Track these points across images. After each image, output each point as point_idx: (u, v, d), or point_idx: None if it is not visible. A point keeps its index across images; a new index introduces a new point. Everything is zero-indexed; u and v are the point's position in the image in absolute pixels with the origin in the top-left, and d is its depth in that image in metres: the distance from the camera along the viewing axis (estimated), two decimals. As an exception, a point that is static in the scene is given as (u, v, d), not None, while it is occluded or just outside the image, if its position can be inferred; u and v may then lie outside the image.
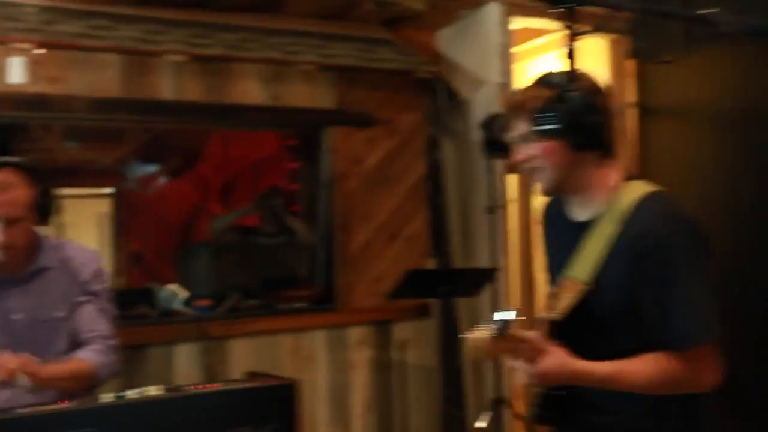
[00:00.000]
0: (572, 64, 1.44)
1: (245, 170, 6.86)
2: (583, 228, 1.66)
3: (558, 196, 1.74)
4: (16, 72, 3.08)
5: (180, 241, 5.46)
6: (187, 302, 3.53)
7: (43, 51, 3.10)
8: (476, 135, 4.18)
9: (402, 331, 3.90)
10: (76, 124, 3.76)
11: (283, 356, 3.61)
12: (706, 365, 1.56)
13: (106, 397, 1.60)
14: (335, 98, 3.80)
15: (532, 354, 1.55)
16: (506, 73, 4.24)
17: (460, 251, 4.17)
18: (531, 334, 1.57)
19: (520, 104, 1.65)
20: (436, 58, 4.23)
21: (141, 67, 3.36)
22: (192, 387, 1.70)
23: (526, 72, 4.87)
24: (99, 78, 3.28)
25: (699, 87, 4.27)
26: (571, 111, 1.54)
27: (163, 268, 5.34)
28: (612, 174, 1.65)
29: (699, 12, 1.10)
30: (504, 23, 4.26)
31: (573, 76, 1.59)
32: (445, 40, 4.55)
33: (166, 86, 3.41)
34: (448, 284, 3.51)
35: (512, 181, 4.22)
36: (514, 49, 4.24)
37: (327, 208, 3.81)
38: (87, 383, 2.14)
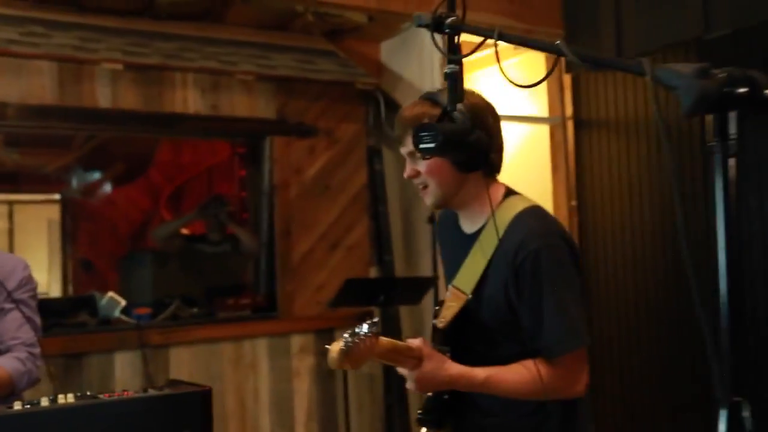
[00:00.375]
0: (459, 84, 1.45)
1: (197, 177, 6.85)
2: (470, 240, 1.74)
3: (441, 208, 1.82)
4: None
5: (127, 248, 5.44)
6: (128, 310, 3.53)
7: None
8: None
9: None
10: (7, 131, 3.72)
11: (224, 364, 3.63)
12: (574, 372, 1.65)
13: (17, 406, 1.61)
14: (275, 108, 3.83)
15: (411, 361, 1.62)
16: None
17: (402, 260, 4.23)
18: (412, 342, 1.64)
19: (406, 120, 1.70)
20: (379, 69, 4.30)
21: (76, 74, 3.36)
22: (106, 395, 1.71)
23: (467, 84, 4.95)
24: (32, 85, 3.27)
25: (627, 100, 4.42)
26: (453, 130, 1.49)
27: (113, 276, 5.32)
28: (495, 190, 1.72)
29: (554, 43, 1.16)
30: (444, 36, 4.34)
31: (459, 95, 1.54)
32: (388, 51, 4.62)
33: (103, 94, 3.41)
34: (388, 293, 3.57)
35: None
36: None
37: (268, 217, 3.84)
38: (4, 391, 2.14)
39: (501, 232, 1.64)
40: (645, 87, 4.31)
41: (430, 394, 1.73)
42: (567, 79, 4.82)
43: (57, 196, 6.99)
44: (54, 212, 7.18)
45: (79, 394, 1.72)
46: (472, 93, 1.72)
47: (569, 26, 4.78)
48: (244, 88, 3.75)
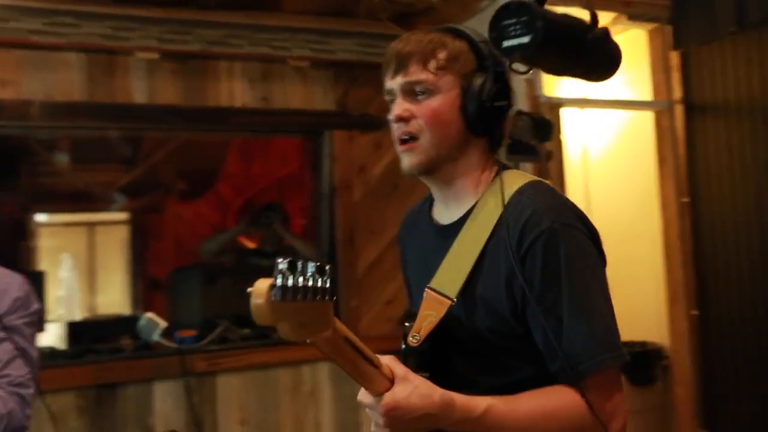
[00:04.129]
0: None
1: (268, 188, 6.51)
2: (452, 231, 1.30)
3: (421, 176, 1.33)
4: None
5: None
6: (171, 333, 3.11)
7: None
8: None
9: (419, 361, 3.40)
10: (33, 133, 3.38)
11: (280, 393, 3.15)
12: (611, 401, 1.17)
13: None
14: (334, 98, 3.36)
15: (379, 380, 1.08)
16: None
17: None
18: (384, 358, 1.12)
19: (411, 43, 1.29)
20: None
21: (108, 67, 2.98)
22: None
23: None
24: (59, 80, 2.91)
25: (750, 79, 3.75)
26: (489, 79, 1.25)
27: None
28: (488, 170, 1.31)
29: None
30: (528, 10, 3.79)
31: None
32: (466, 35, 4.11)
33: (138, 88, 3.02)
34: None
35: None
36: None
37: (329, 222, 3.35)
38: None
39: (499, 214, 1.23)
40: (765, 63, 3.66)
41: None
42: (674, 56, 4.17)
43: (124, 215, 6.81)
44: (124, 231, 7.02)
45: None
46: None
47: (678, -6, 4.14)
48: (299, 76, 3.29)
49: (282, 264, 0.91)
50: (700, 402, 4.01)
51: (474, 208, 1.28)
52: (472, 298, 1.24)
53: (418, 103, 1.27)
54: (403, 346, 1.23)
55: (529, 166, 3.58)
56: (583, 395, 1.15)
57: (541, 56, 1.25)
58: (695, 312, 4.03)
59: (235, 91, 3.19)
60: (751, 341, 3.70)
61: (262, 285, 0.94)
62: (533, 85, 3.74)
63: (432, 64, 1.26)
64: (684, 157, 4.11)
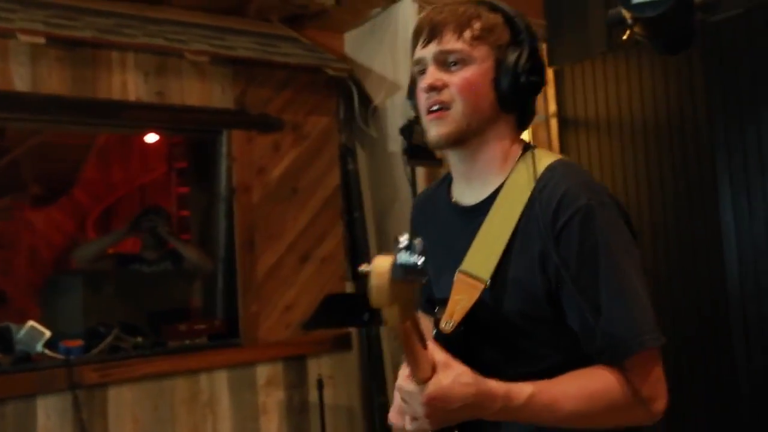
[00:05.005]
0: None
1: (129, 195, 6.17)
2: (478, 211, 1.27)
3: (448, 148, 1.28)
4: None
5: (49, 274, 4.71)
6: (52, 343, 2.84)
7: None
8: (394, 143, 3.76)
9: (319, 367, 3.33)
10: None
11: (177, 404, 2.97)
12: (653, 382, 1.15)
13: None
14: (233, 97, 3.24)
15: (424, 367, 1.04)
16: (424, 75, 3.84)
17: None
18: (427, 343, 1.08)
19: (453, 18, 1.25)
20: (344, 61, 3.77)
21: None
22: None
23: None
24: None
25: (616, 97, 4.04)
26: (524, 53, 1.24)
27: (33, 308, 4.58)
28: (515, 147, 1.30)
29: None
30: (420, 20, 3.87)
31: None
32: (353, 42, 4.11)
33: (19, 75, 2.76)
34: (374, 310, 2.98)
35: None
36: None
37: (227, 225, 3.22)
38: None
39: (530, 192, 1.20)
40: (632, 81, 3.96)
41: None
42: (549, 73, 4.41)
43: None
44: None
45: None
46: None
47: (553, 15, 4.38)
48: (196, 72, 3.14)
49: (403, 241, 0.86)
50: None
51: (503, 186, 1.25)
52: (503, 280, 1.19)
53: (450, 72, 1.24)
54: (435, 334, 1.19)
55: (424, 171, 3.64)
56: (623, 376, 1.13)
57: (662, 23, 1.24)
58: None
59: (128, 83, 2.99)
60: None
61: (383, 263, 0.89)
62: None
63: (467, 34, 1.23)
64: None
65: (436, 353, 1.06)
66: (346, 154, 3.57)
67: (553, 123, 4.36)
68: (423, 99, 1.26)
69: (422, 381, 1.03)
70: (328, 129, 3.51)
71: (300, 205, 3.38)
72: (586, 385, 1.13)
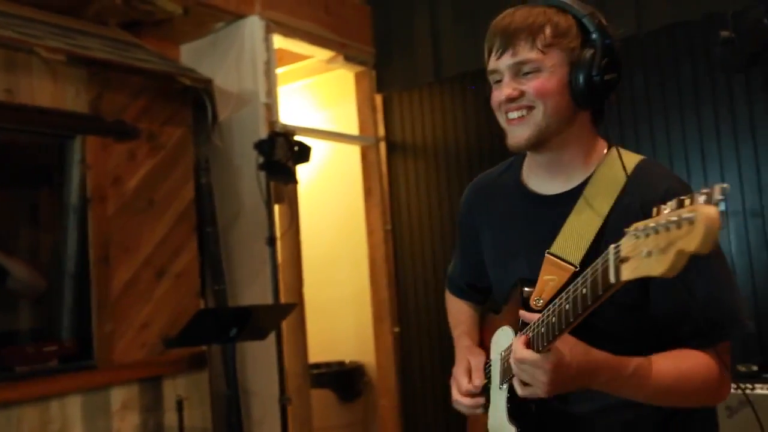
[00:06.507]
0: None
1: None
2: (559, 201, 1.34)
3: (530, 149, 1.35)
4: None
5: None
6: None
7: None
8: (239, 157, 3.72)
9: (175, 388, 3.18)
10: None
11: (25, 435, 2.67)
12: (728, 368, 1.24)
13: None
14: (87, 101, 3.03)
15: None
16: (271, 93, 3.87)
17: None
18: (534, 315, 1.18)
19: (525, 25, 1.28)
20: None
21: None
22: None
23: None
24: None
25: (442, 124, 4.38)
26: (598, 52, 1.26)
27: None
28: (598, 142, 1.37)
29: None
30: (268, 39, 3.90)
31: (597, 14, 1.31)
32: (191, 54, 4.02)
33: None
34: (242, 325, 2.94)
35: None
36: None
37: (79, 238, 2.98)
38: None
39: (620, 185, 1.27)
40: (456, 110, 4.30)
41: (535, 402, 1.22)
42: (378, 99, 4.64)
43: None
44: None
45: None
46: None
47: (382, 44, 4.62)
48: (49, 72, 2.90)
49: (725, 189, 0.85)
50: (401, 411, 4.42)
51: (590, 179, 1.31)
52: None
53: (526, 80, 1.28)
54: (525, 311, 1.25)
55: (279, 187, 3.65)
56: (712, 359, 1.20)
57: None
58: (396, 329, 4.45)
59: (-28, 78, 2.68)
60: (440, 352, 4.21)
61: (713, 211, 0.84)
62: (271, 110, 3.84)
63: (540, 42, 1.27)
64: (387, 189, 4.56)
65: None
66: (200, 167, 3.47)
67: (382, 146, 4.58)
68: (502, 107, 1.32)
69: (543, 349, 1.12)
70: (183, 140, 3.40)
71: (156, 217, 3.22)
72: (679, 365, 1.20)
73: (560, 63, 1.27)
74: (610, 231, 1.24)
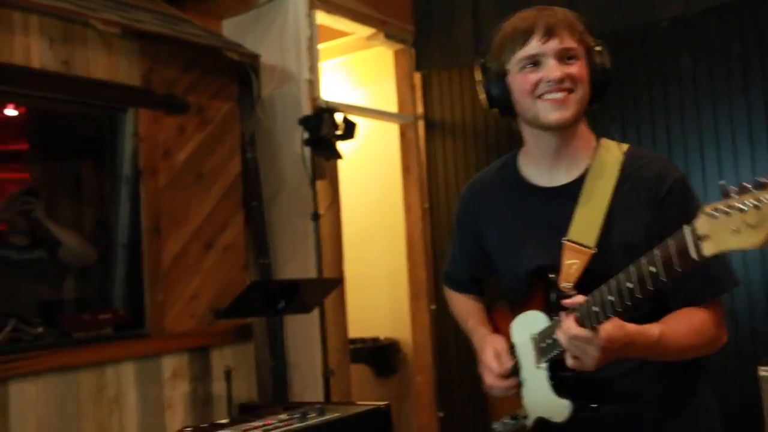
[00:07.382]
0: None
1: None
2: (566, 191, 1.48)
3: (563, 129, 1.47)
4: None
5: None
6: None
7: None
8: (282, 133, 3.75)
9: (222, 358, 3.24)
10: None
11: (83, 400, 2.74)
12: (724, 319, 1.43)
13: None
14: (140, 74, 3.07)
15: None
16: (314, 69, 3.88)
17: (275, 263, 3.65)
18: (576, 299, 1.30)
19: (564, 19, 1.45)
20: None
21: None
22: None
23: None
24: None
25: (472, 101, 4.37)
26: (605, 54, 1.48)
27: None
28: (591, 135, 1.54)
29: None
30: (311, 16, 3.91)
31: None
32: (233, 30, 4.04)
33: None
34: (290, 298, 2.98)
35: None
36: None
37: (131, 209, 3.03)
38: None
39: (616, 171, 1.44)
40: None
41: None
42: (417, 77, 4.64)
43: None
44: None
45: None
46: None
47: (422, 22, 4.61)
48: (104, 44, 2.93)
49: None
50: (437, 387, 4.46)
51: (590, 168, 1.47)
52: (608, 245, 1.39)
53: (569, 66, 1.42)
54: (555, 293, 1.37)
55: (321, 163, 3.68)
56: (713, 312, 1.39)
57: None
58: (433, 306, 4.48)
59: (31, 48, 2.72)
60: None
61: None
62: (314, 87, 3.85)
63: (576, 34, 1.44)
64: (425, 167, 4.58)
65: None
66: (246, 142, 3.51)
67: (420, 125, 4.59)
68: (540, 87, 1.43)
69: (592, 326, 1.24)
70: (230, 115, 3.43)
71: (204, 190, 3.27)
72: (689, 323, 1.37)
73: (584, 56, 1.44)
74: (617, 211, 1.41)
